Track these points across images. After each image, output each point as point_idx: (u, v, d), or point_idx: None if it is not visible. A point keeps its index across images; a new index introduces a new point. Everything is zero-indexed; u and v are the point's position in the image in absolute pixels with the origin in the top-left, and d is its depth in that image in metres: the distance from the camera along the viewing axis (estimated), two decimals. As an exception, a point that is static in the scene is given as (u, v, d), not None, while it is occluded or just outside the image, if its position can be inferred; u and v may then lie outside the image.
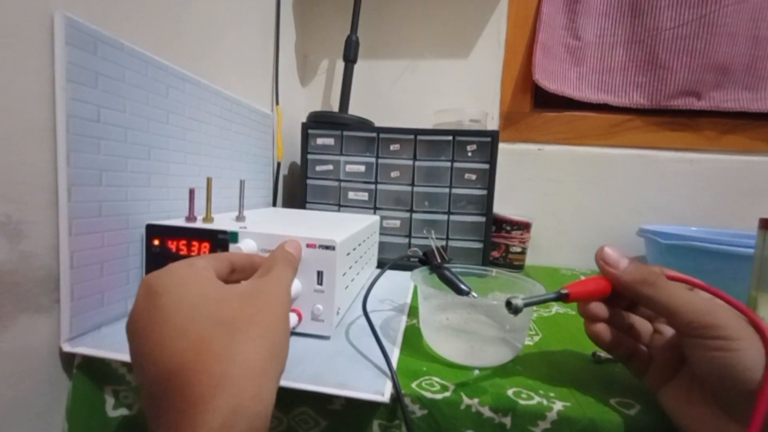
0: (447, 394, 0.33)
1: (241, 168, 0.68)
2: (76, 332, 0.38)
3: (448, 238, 0.78)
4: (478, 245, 0.77)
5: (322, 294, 0.41)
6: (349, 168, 0.79)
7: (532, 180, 0.92)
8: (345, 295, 0.47)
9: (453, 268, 0.48)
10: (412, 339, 0.44)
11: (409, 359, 0.39)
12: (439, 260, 0.48)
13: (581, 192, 0.91)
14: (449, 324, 0.41)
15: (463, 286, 0.45)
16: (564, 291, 0.32)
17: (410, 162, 0.77)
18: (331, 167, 0.79)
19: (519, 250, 0.84)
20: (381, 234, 0.78)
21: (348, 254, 0.46)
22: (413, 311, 0.53)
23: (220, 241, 0.42)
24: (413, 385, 0.34)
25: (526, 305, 0.31)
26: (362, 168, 0.79)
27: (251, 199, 0.71)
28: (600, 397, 0.33)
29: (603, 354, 0.41)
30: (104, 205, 0.40)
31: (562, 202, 0.92)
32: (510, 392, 0.33)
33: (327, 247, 0.40)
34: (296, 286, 0.40)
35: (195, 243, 0.42)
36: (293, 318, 0.40)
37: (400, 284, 0.65)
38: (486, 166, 0.75)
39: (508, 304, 0.31)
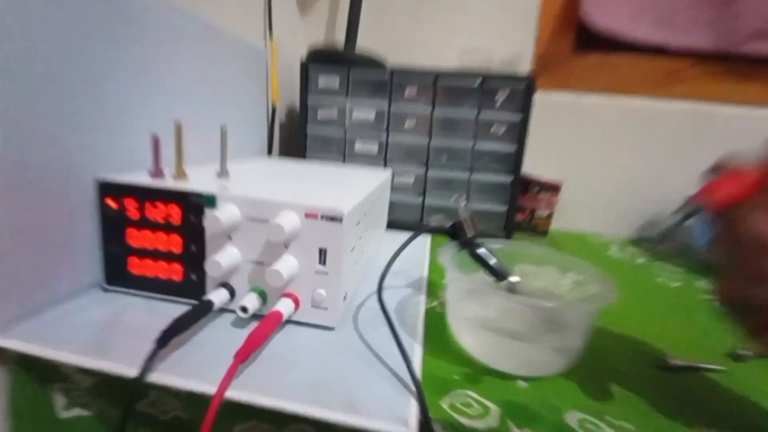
0: (490, 421, 0.25)
1: (227, 112, 0.56)
2: (4, 319, 0.29)
3: (468, 200, 0.68)
4: (501, 208, 0.68)
5: (326, 277, 0.32)
6: (357, 115, 0.67)
7: (566, 135, 0.81)
8: (353, 274, 0.38)
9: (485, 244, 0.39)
10: (435, 328, 0.36)
11: (436, 362, 0.31)
12: (470, 234, 0.39)
13: (622, 151, 0.79)
14: (486, 318, 0.32)
15: (500, 269, 0.36)
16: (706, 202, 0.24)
17: (428, 110, 0.65)
18: (335, 113, 0.68)
19: (546, 214, 0.75)
20: (392, 192, 0.68)
21: (358, 223, 0.37)
22: (433, 289, 0.45)
23: (192, 206, 0.32)
24: (444, 405, 0.26)
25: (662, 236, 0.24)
26: (372, 115, 0.67)
27: (241, 149, 0.61)
28: (682, 419, 0.26)
29: (677, 361, 0.33)
30: (29, 157, 0.29)
31: (598, 162, 0.81)
32: (571, 419, 0.25)
33: (332, 219, 0.31)
34: (291, 265, 0.31)
35: (160, 206, 0.33)
36: (288, 305, 0.32)
37: (413, 252, 0.56)
38: (517, 117, 0.64)
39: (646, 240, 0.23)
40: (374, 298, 0.39)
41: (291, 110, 0.83)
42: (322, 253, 0.32)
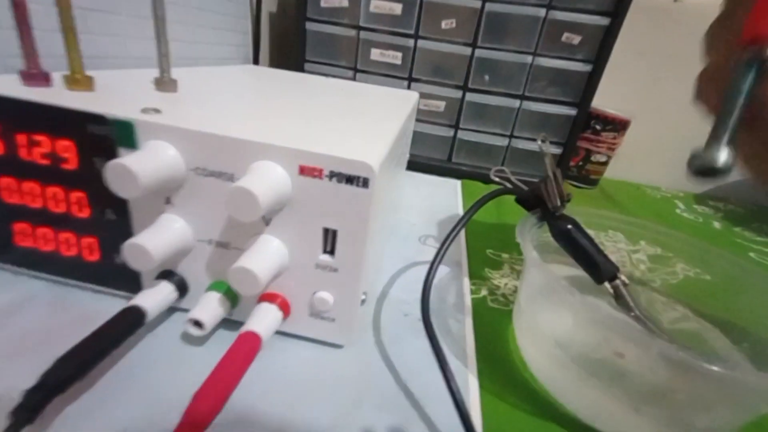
0: None
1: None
2: None
3: (512, 135, 0.53)
4: (555, 149, 0.53)
5: (334, 274, 0.19)
6: (377, 5, 0.48)
7: (646, 54, 0.62)
8: (376, 260, 0.25)
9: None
10: (488, 336, 0.24)
11: (503, 410, 0.20)
12: (556, 202, 0.25)
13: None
14: (582, 344, 0.20)
15: (604, 262, 0.23)
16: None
17: (478, 2, 0.46)
18: (346, 2, 0.49)
19: (603, 159, 0.60)
20: (416, 120, 0.52)
21: (387, 182, 0.23)
22: (475, 267, 0.33)
23: (95, 141, 0.18)
24: None
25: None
26: (398, 7, 0.48)
27: (212, 53, 0.43)
28: None
29: None
30: None
31: (678, 93, 0.63)
32: None
33: (350, 179, 0.17)
34: (273, 256, 0.18)
35: (43, 139, 0.18)
36: (270, 316, 0.19)
37: (439, 202, 0.43)
38: (604, 21, 0.45)
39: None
40: (400, 286, 0.27)
41: (285, -2, 0.62)
42: (329, 237, 0.18)
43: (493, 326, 0.26)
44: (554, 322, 0.21)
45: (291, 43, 0.52)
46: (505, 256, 0.35)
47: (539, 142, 0.25)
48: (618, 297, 0.23)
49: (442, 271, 0.32)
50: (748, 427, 0.18)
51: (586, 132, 0.58)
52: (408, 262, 0.31)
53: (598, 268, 0.23)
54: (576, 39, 0.47)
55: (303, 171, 0.17)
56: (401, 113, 0.32)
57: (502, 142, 0.53)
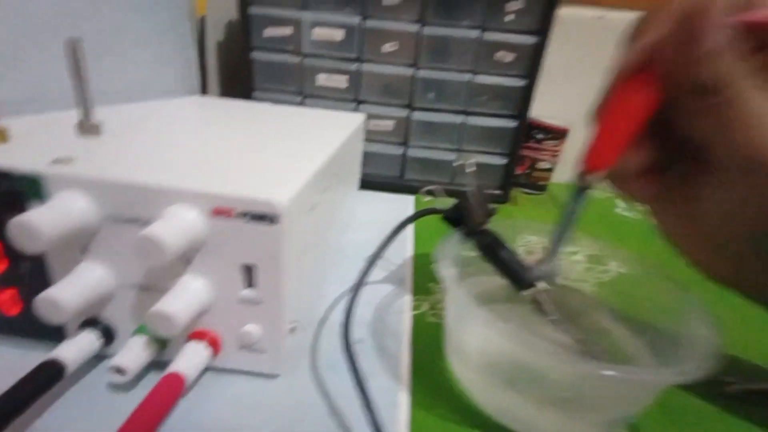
0: None
1: (119, 22, 0.38)
2: None
3: (459, 149, 0.55)
4: (501, 161, 0.55)
5: (257, 307, 0.20)
6: (319, 34, 0.50)
7: (577, 65, 0.66)
8: (308, 287, 0.26)
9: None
10: (425, 350, 0.25)
11: (432, 423, 0.20)
12: (480, 217, 0.26)
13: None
14: (499, 354, 0.21)
15: (521, 269, 0.25)
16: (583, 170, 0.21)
17: (415, 27, 0.49)
18: (289, 31, 0.50)
19: (548, 166, 0.63)
20: (365, 140, 0.54)
21: (312, 208, 0.24)
22: (419, 281, 0.34)
23: (3, 194, 0.18)
24: None
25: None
26: (339, 34, 0.50)
27: (153, 84, 0.43)
28: None
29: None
30: None
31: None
32: None
33: (261, 218, 0.17)
34: (195, 295, 0.19)
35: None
36: (197, 355, 0.20)
37: (390, 219, 0.44)
38: (531, 39, 0.48)
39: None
40: (341, 310, 0.28)
41: (230, 26, 0.62)
42: (249, 272, 0.19)
43: (430, 340, 0.27)
44: (473, 335, 0.22)
45: (239, 72, 0.53)
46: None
47: (457, 164, 0.27)
48: (537, 303, 0.25)
49: (386, 289, 0.33)
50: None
51: (530, 142, 0.61)
52: (352, 284, 0.32)
53: (517, 278, 0.24)
54: (509, 57, 0.49)
55: (215, 212, 0.17)
56: (339, 137, 0.33)
57: (451, 156, 0.55)
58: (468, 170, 0.27)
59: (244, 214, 0.17)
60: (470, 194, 0.26)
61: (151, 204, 0.17)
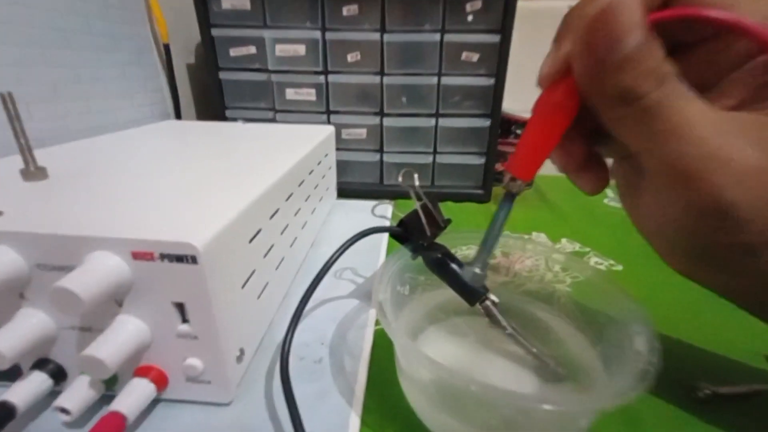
0: None
1: (86, 60, 0.39)
2: None
3: (435, 152, 0.55)
4: (479, 160, 0.55)
5: (195, 341, 0.20)
6: (282, 50, 0.50)
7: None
8: (254, 312, 0.26)
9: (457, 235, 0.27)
10: (382, 368, 0.25)
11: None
12: (429, 231, 0.26)
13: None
14: (445, 390, 0.21)
15: (472, 283, 0.24)
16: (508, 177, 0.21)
17: (376, 35, 0.49)
18: (253, 50, 0.50)
19: (530, 160, 0.63)
20: (340, 149, 0.54)
21: (251, 240, 0.24)
22: (387, 295, 0.34)
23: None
24: None
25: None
26: (301, 49, 0.50)
27: (120, 115, 0.44)
28: None
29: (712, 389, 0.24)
30: None
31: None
32: None
33: (179, 259, 0.18)
34: (129, 336, 0.19)
35: None
36: (141, 391, 0.20)
37: (368, 224, 0.44)
38: (495, 38, 0.48)
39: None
40: (303, 328, 0.28)
41: (198, 49, 0.63)
42: (181, 308, 0.19)
43: (389, 356, 0.27)
44: (413, 362, 0.22)
45: (210, 93, 0.54)
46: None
47: (400, 179, 0.27)
48: (489, 316, 0.24)
49: (351, 304, 0.33)
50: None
51: (509, 137, 0.60)
52: (316, 301, 0.32)
53: (466, 292, 0.24)
54: (474, 57, 0.49)
55: (136, 256, 0.18)
56: (300, 152, 0.34)
57: (427, 159, 0.55)
58: (410, 187, 0.27)
59: (165, 256, 0.18)
60: (417, 210, 0.26)
61: (73, 252, 0.18)
